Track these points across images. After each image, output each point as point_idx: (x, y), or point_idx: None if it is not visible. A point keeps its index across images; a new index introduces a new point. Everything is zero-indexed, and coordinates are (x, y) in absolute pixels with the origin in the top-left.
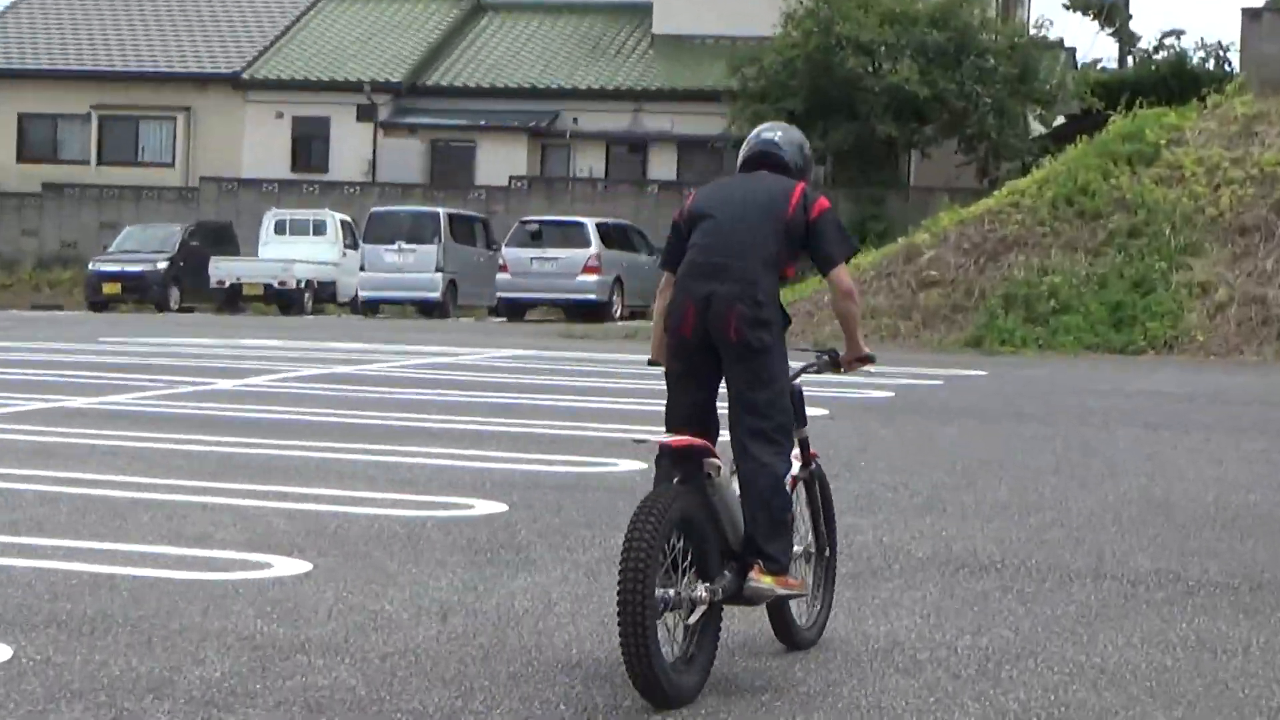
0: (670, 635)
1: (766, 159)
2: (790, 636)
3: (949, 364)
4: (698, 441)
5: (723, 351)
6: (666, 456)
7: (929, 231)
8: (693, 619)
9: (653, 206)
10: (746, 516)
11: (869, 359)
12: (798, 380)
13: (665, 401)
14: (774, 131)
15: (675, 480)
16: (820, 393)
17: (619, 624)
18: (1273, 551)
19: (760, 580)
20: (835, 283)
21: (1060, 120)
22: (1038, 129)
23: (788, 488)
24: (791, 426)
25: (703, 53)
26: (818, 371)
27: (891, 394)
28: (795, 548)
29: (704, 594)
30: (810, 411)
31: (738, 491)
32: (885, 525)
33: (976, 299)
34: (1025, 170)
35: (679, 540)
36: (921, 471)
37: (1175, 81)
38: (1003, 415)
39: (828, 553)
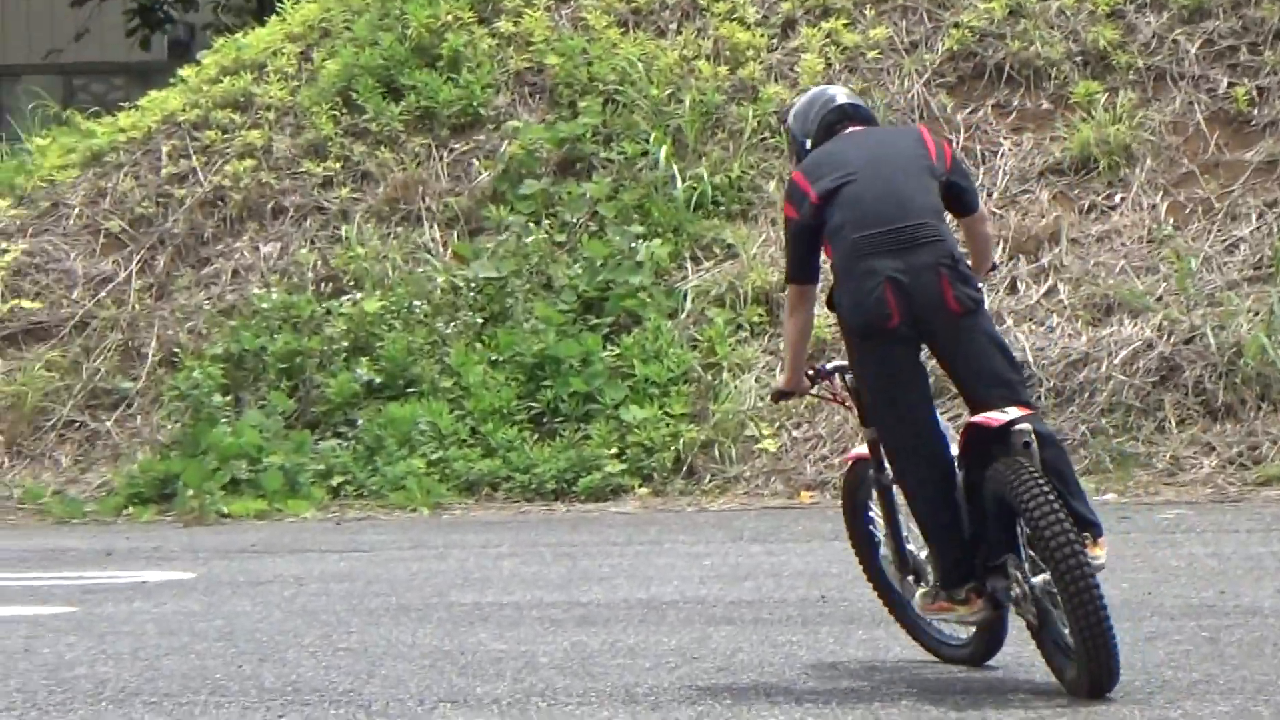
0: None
1: (858, 115)
2: None
3: None
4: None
5: (939, 329)
6: (985, 439)
7: None
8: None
9: None
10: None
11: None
12: None
13: (882, 414)
14: (841, 93)
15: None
16: None
17: (1094, 607)
18: None
19: (1096, 553)
20: (982, 218)
21: None
22: None
23: None
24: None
25: None
26: None
27: None
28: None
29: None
30: None
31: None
32: None
33: None
34: None
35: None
36: None
37: None
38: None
39: None
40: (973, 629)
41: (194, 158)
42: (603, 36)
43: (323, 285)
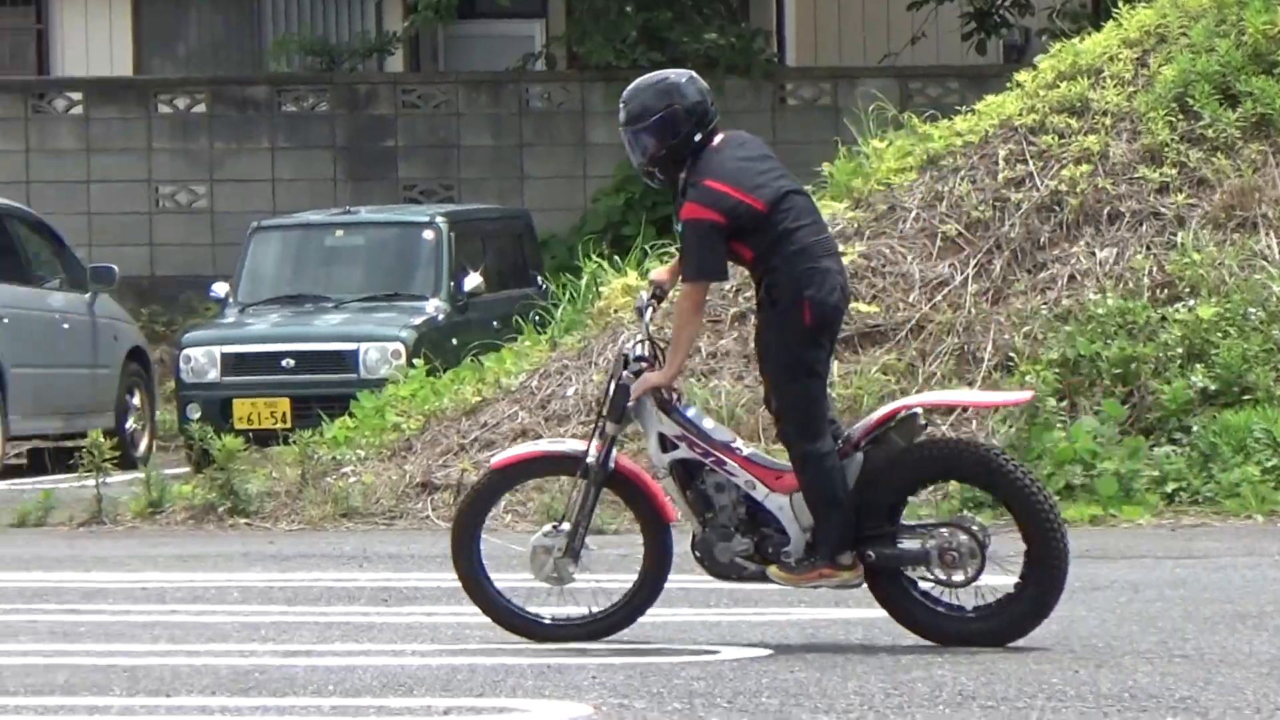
0: None
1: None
2: None
3: None
4: None
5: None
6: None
7: None
8: None
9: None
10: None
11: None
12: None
13: (810, 397)
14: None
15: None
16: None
17: (1062, 534)
18: None
19: None
20: None
21: None
22: None
23: None
24: None
25: None
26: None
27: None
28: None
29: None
30: None
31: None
32: None
33: None
34: None
35: None
36: None
37: None
38: None
39: None
40: (605, 605)
41: (1030, 162)
42: None
43: (1158, 291)
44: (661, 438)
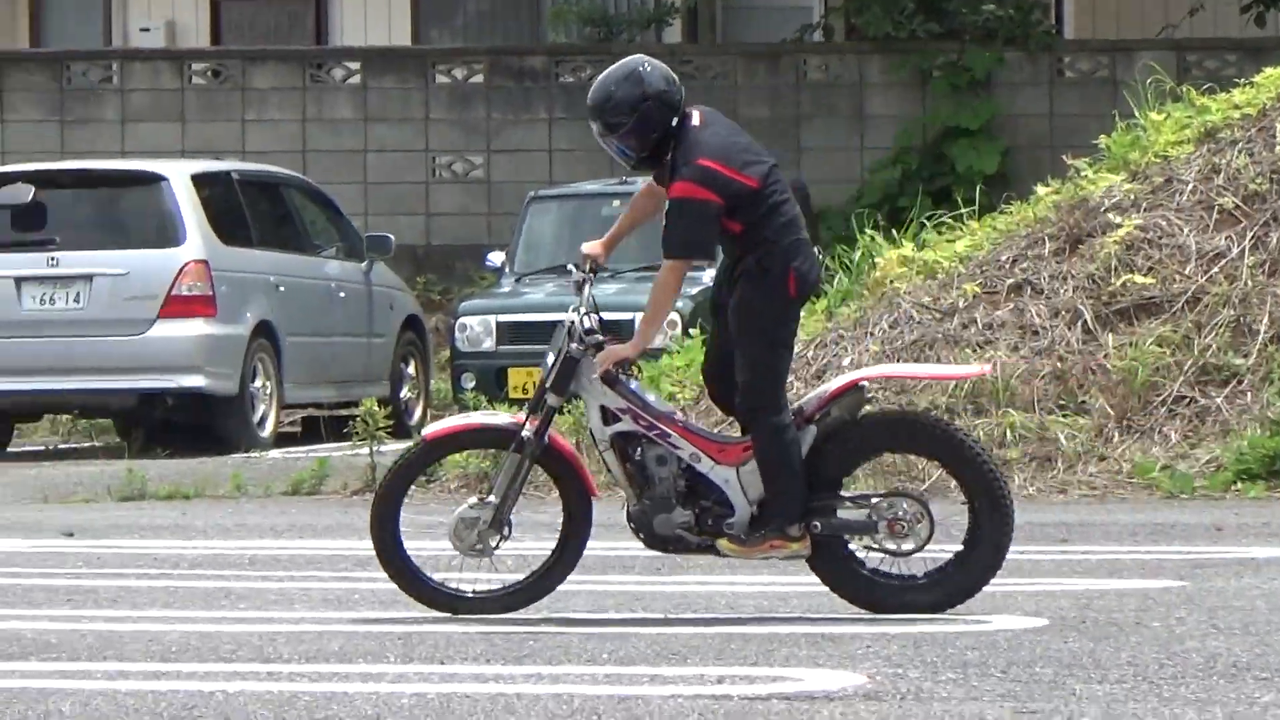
0: None
1: None
2: None
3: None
4: None
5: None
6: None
7: None
8: None
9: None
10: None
11: None
12: None
13: (783, 369)
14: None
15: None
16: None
17: (1008, 495)
18: None
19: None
20: None
21: None
22: None
23: None
24: None
25: None
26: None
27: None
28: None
29: None
30: None
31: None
32: None
33: None
34: None
35: None
36: None
37: None
38: None
39: None
40: (518, 576)
41: None
42: None
43: None
44: (604, 410)
